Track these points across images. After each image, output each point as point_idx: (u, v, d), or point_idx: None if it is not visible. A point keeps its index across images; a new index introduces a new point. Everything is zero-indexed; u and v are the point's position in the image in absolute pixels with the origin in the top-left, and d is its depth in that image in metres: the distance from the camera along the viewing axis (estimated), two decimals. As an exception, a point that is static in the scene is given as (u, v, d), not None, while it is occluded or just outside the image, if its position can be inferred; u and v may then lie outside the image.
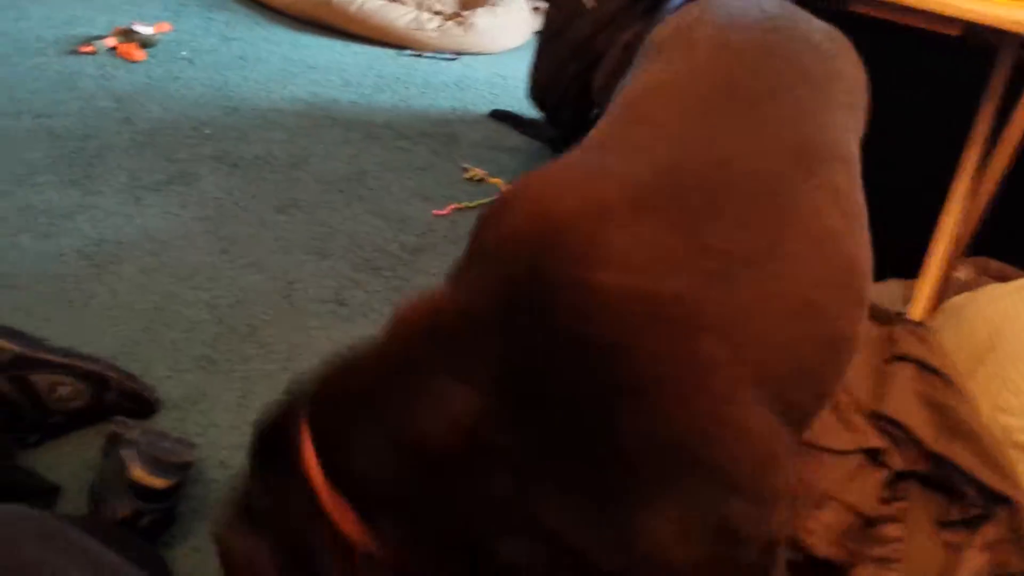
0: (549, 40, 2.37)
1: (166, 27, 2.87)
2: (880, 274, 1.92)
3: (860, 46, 1.72)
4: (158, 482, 1.20)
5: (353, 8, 3.16)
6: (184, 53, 2.76)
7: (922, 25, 1.67)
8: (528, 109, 2.56)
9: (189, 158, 2.19)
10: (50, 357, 1.31)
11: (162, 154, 2.16)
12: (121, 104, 2.36)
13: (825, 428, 1.33)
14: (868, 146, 1.87)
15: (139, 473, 1.19)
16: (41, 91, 2.40)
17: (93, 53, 2.64)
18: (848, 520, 1.18)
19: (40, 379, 1.29)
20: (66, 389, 1.31)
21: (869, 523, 1.20)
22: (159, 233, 1.85)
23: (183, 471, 1.25)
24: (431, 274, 1.91)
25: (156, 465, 1.21)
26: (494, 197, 2.23)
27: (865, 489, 1.24)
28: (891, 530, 1.21)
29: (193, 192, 2.04)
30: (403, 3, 3.31)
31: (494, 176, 2.37)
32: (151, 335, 1.58)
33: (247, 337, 1.61)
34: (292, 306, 1.72)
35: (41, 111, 2.29)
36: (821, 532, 1.15)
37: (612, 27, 2.18)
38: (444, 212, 2.16)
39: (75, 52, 2.65)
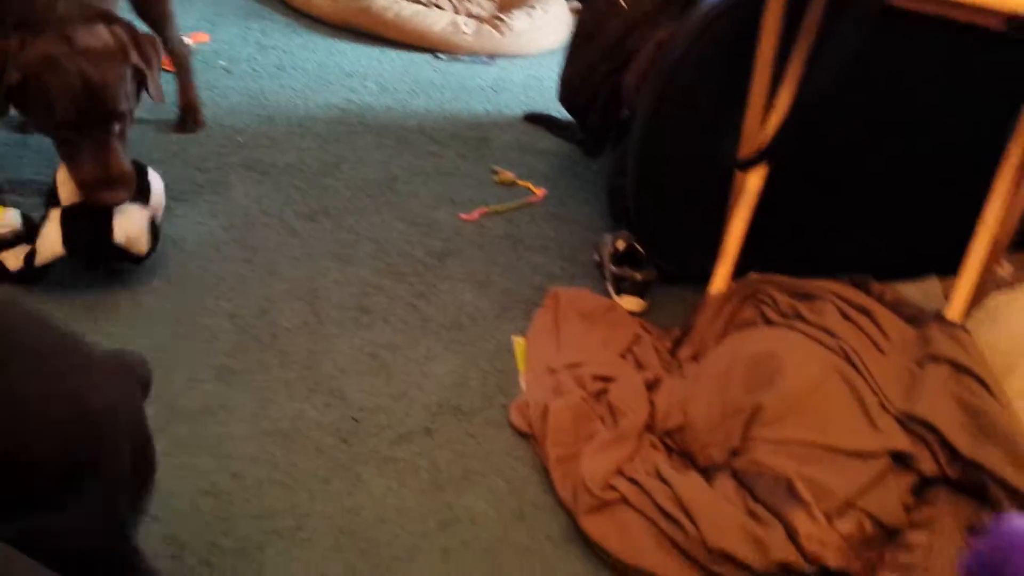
0: (581, 42, 2.34)
1: (204, 37, 2.92)
2: (920, 271, 1.85)
3: (899, 41, 1.66)
4: None
5: (390, 14, 3.17)
6: (222, 63, 2.80)
7: (963, 18, 1.60)
8: (563, 111, 2.53)
9: (220, 167, 2.21)
10: None
11: (193, 164, 2.19)
12: (155, 114, 2.40)
13: (850, 429, 1.28)
14: (910, 142, 1.81)
15: None
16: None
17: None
18: (868, 530, 1.13)
19: None
20: None
21: (891, 533, 1.14)
22: (186, 243, 1.87)
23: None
24: (455, 279, 1.90)
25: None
26: (523, 200, 2.22)
27: (890, 496, 1.18)
28: (917, 537, 1.16)
29: (222, 201, 2.06)
30: (440, 7, 3.31)
31: (524, 179, 2.34)
32: (173, 345, 1.59)
33: (268, 346, 1.61)
34: (314, 314, 1.72)
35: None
36: (835, 544, 1.10)
37: (645, 26, 2.13)
38: (471, 217, 2.14)
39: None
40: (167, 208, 2.00)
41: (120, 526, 0.84)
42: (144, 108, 2.40)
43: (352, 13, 3.19)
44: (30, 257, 1.64)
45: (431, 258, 1.97)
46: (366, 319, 1.74)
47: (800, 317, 1.52)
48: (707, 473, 1.32)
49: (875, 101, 1.76)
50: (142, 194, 1.72)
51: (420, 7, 3.25)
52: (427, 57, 3.13)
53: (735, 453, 1.31)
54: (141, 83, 1.75)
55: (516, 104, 2.84)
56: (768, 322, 1.54)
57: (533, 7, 3.38)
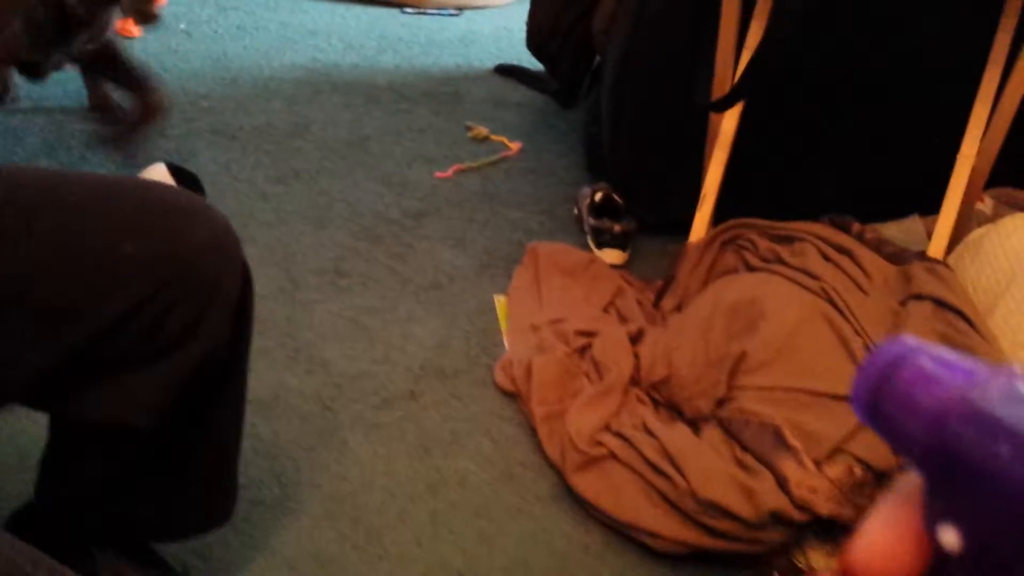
0: (546, -12, 2.29)
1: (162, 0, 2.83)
2: (902, 211, 1.84)
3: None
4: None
5: (352, -32, 3.09)
6: (182, 26, 2.72)
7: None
8: (534, 63, 2.48)
9: (186, 133, 2.16)
10: None
11: (158, 130, 2.13)
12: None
13: (835, 372, 1.27)
14: (885, 74, 1.78)
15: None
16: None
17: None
18: (859, 475, 1.13)
19: None
20: None
21: (882, 477, 1.14)
22: (155, 213, 1.83)
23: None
24: (433, 239, 1.87)
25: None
26: (498, 155, 2.18)
27: (878, 440, 1.18)
28: (906, 481, 1.16)
29: (190, 167, 2.01)
30: (403, -40, 3.23)
31: (498, 134, 2.30)
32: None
33: (244, 314, 1.58)
34: (290, 280, 1.69)
35: (35, 91, 2.27)
36: (826, 490, 1.10)
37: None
38: (446, 175, 2.11)
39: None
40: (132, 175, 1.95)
41: None
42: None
43: (314, -31, 3.10)
44: None
45: (407, 218, 1.93)
46: (344, 283, 1.71)
47: (781, 261, 1.51)
48: (694, 424, 1.31)
49: (847, 31, 1.73)
50: None
51: (383, -40, 3.17)
52: (393, 12, 3.06)
53: (721, 402, 1.30)
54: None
55: (487, 57, 2.79)
56: (749, 268, 1.53)
57: (499, -45, 3.30)
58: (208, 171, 1.99)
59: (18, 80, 2.32)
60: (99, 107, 2.14)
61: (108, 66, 1.66)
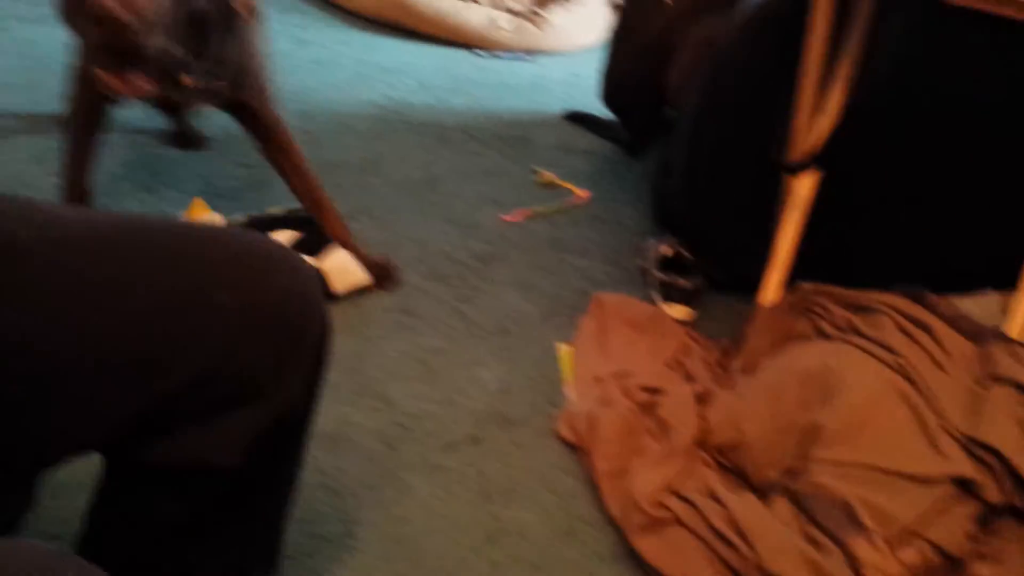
0: (622, 37, 2.31)
1: (244, 32, 2.91)
2: (977, 285, 1.81)
3: (957, 41, 1.61)
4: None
5: (428, 9, 3.15)
6: (262, 58, 2.79)
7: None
8: (604, 110, 2.50)
9: (262, 164, 2.19)
10: None
11: (235, 160, 2.18)
12: (196, 111, 2.39)
13: (911, 452, 1.25)
14: (969, 148, 1.76)
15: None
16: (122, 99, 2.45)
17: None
18: (932, 560, 1.10)
19: None
20: None
21: (955, 564, 1.12)
22: (230, 240, 1.86)
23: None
24: (499, 283, 1.88)
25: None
26: (565, 202, 2.19)
27: (953, 525, 1.15)
28: (982, 569, 1.13)
29: (264, 198, 2.05)
30: (478, 2, 3.28)
31: (566, 180, 2.32)
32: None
33: (313, 347, 1.60)
34: (359, 316, 1.71)
35: (121, 119, 2.34)
36: (898, 574, 1.07)
37: (688, 22, 2.10)
38: (514, 218, 2.12)
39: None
40: (210, 205, 2.00)
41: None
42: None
43: (390, 8, 3.17)
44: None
45: (474, 260, 1.95)
46: (410, 322, 1.72)
47: (856, 331, 1.49)
48: (761, 493, 1.29)
49: (933, 103, 1.72)
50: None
51: (458, 2, 3.22)
52: (465, 53, 3.11)
53: (791, 473, 1.28)
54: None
55: (556, 102, 2.81)
56: (823, 335, 1.51)
57: (571, 1, 3.34)
58: (280, 202, 2.03)
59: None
60: (182, 138, 2.20)
61: (244, 115, 1.77)
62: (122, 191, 2.02)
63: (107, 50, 1.37)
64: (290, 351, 0.81)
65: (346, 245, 1.79)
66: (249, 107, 1.79)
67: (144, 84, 1.42)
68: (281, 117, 1.87)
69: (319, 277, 0.86)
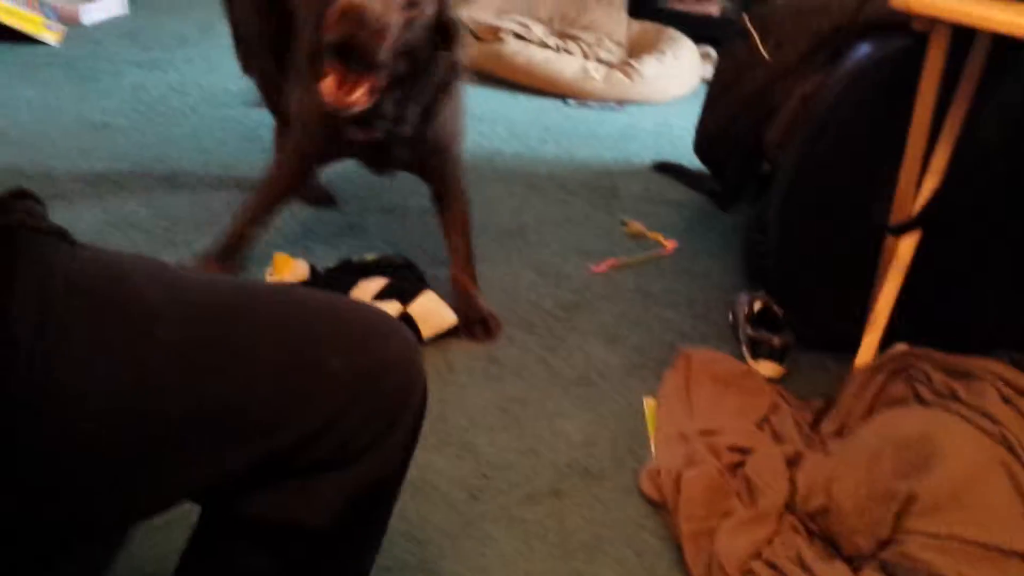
0: (719, 92, 2.30)
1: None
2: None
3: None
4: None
5: (521, 59, 3.21)
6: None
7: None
8: (693, 160, 2.49)
9: (359, 209, 2.26)
10: None
11: (334, 207, 2.25)
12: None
13: (1013, 527, 1.19)
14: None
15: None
16: (226, 142, 2.56)
17: (276, 106, 2.80)
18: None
19: None
20: None
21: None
22: (324, 283, 1.91)
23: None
24: (585, 333, 1.88)
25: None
26: (653, 253, 2.18)
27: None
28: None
29: (361, 243, 2.11)
30: (570, 53, 3.33)
31: (654, 230, 2.31)
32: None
33: (400, 392, 1.63)
34: (446, 362, 1.73)
35: (226, 161, 2.45)
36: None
37: (788, 79, 2.08)
38: (601, 268, 2.12)
39: (258, 105, 2.81)
40: (307, 249, 2.06)
41: None
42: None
43: (483, 58, 3.24)
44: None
45: (560, 310, 1.95)
46: (496, 370, 1.74)
47: (956, 398, 1.43)
48: (853, 563, 1.25)
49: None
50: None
51: (551, 52, 3.27)
52: (556, 102, 3.15)
53: (885, 543, 1.23)
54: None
55: (645, 152, 2.82)
56: (921, 401, 1.46)
57: (663, 52, 3.36)
58: (375, 247, 2.08)
59: (211, 144, 2.50)
60: (315, 197, 2.25)
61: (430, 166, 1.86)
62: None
63: (339, 51, 1.45)
64: (391, 419, 0.84)
65: (470, 297, 1.86)
66: (437, 161, 1.87)
67: (364, 98, 1.50)
68: (464, 180, 1.95)
69: (418, 346, 0.88)
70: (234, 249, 1.87)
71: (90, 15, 3.44)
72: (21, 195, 0.78)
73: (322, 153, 1.88)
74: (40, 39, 3.15)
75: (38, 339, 0.69)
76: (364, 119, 1.60)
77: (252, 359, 0.78)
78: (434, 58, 1.62)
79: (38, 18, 3.20)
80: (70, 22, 3.37)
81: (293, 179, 1.92)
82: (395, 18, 1.47)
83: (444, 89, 1.72)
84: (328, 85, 1.49)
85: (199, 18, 3.59)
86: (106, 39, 3.29)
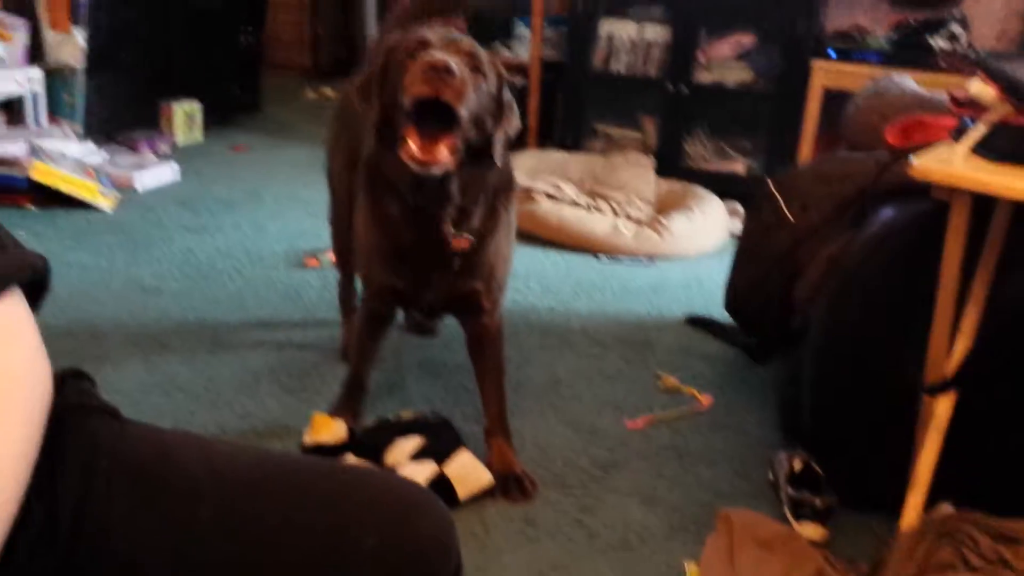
0: (748, 252, 2.35)
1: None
2: None
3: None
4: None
5: (553, 218, 3.31)
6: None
7: None
8: (724, 314, 2.52)
9: (397, 367, 2.30)
10: None
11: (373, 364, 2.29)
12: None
13: None
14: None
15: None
16: (269, 302, 2.64)
17: (317, 267, 2.91)
18: None
19: None
20: None
21: None
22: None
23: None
24: (621, 493, 1.85)
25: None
26: (688, 408, 2.18)
27: None
28: None
29: (397, 400, 2.14)
30: (600, 211, 3.43)
31: (688, 384, 2.31)
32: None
33: (435, 556, 1.61)
34: (481, 523, 1.72)
35: (267, 321, 2.52)
36: None
37: (813, 240, 2.12)
38: (637, 425, 2.12)
39: (301, 265, 2.92)
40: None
41: None
42: (333, 307, 2.54)
43: (517, 217, 3.34)
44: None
45: (596, 468, 1.94)
46: (532, 532, 1.71)
47: (1005, 563, 1.39)
48: None
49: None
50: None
51: (582, 211, 3.38)
52: (589, 258, 3.22)
53: None
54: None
55: (677, 306, 2.86)
56: (969, 567, 1.41)
57: (691, 210, 3.45)
58: (414, 404, 2.10)
59: (253, 305, 2.57)
60: (418, 326, 2.40)
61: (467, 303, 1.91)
62: (264, 391, 2.14)
63: (421, 111, 1.51)
64: None
65: (504, 456, 1.87)
66: (484, 287, 1.89)
67: (448, 157, 1.55)
68: (502, 323, 1.99)
69: (453, 523, 0.89)
70: (357, 397, 1.99)
71: (143, 182, 3.63)
72: (74, 375, 0.83)
73: (386, 285, 1.86)
74: (95, 205, 3.33)
75: (79, 518, 0.73)
76: (435, 201, 1.65)
77: (291, 533, 0.80)
78: (493, 145, 1.66)
79: (94, 186, 3.38)
80: (124, 188, 3.55)
81: (380, 311, 1.97)
82: (469, 76, 1.54)
83: (501, 195, 1.79)
84: (410, 147, 1.53)
85: (245, 185, 3.77)
86: (158, 205, 3.46)
